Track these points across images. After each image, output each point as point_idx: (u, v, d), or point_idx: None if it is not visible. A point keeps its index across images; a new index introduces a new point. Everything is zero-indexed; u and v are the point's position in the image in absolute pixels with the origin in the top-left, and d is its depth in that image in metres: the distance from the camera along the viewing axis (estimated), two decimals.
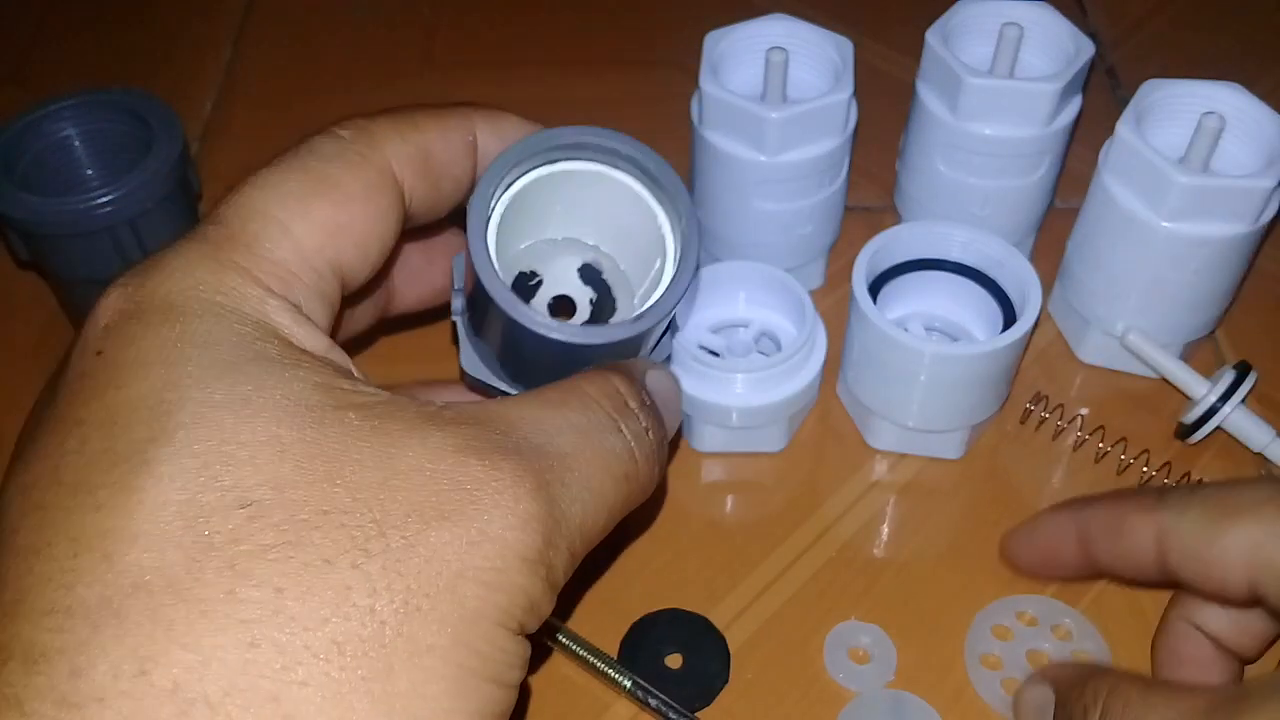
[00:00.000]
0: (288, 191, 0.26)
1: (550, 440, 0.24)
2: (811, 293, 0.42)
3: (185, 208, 0.41)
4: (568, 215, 0.30)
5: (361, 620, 0.21)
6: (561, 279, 0.31)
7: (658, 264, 0.31)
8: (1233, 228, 0.39)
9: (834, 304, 0.46)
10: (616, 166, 0.30)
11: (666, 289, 0.29)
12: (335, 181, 0.26)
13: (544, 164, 0.29)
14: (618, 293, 0.31)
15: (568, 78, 0.57)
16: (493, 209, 0.28)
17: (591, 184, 0.30)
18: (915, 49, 0.44)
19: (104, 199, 0.38)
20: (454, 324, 0.31)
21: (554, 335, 0.27)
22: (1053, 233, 0.47)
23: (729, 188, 0.42)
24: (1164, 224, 0.39)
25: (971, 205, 0.44)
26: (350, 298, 0.28)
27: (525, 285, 0.30)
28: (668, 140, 0.53)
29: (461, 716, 0.22)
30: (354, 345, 0.29)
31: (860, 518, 0.40)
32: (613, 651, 0.36)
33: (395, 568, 0.21)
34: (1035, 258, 0.47)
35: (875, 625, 0.37)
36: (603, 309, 0.31)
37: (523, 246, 0.30)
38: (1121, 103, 0.54)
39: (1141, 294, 0.41)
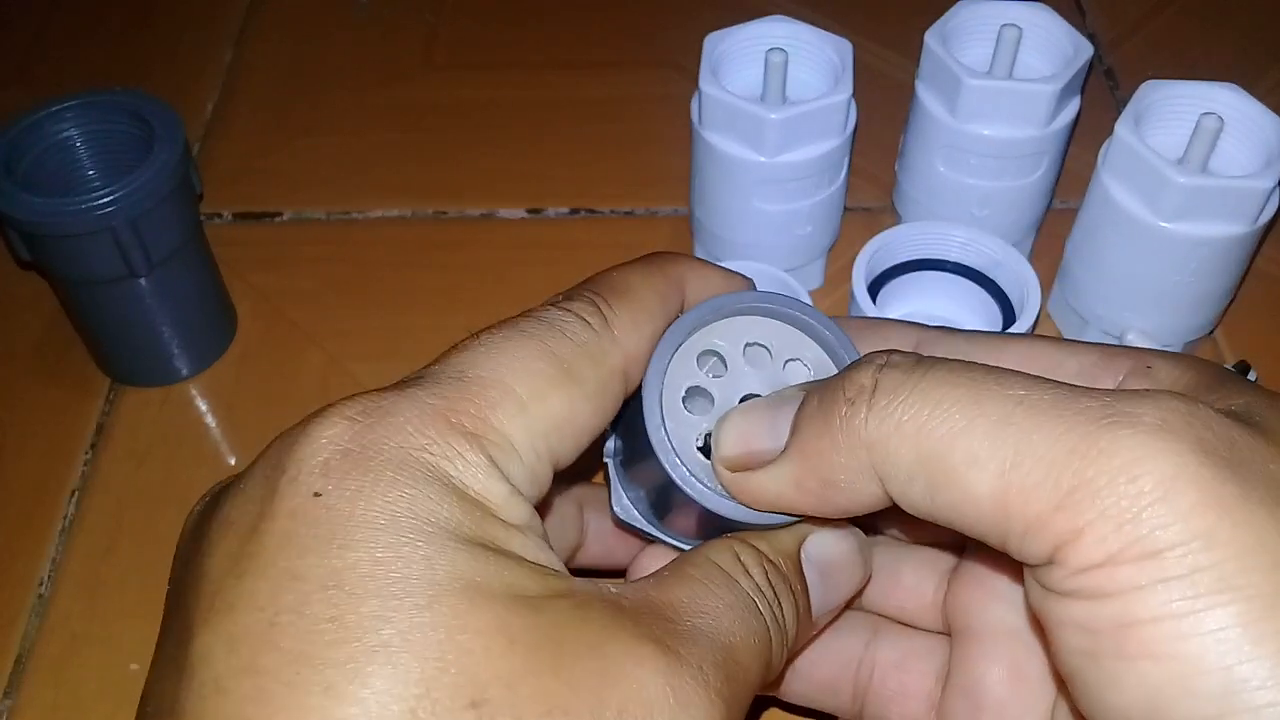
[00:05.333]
0: (534, 372, 0.25)
1: (715, 628, 0.24)
2: (811, 293, 0.42)
3: (187, 208, 0.42)
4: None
5: None
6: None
7: None
8: (1231, 228, 0.39)
9: (834, 304, 0.46)
10: (799, 328, 0.29)
11: None
12: (577, 376, 0.25)
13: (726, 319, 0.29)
14: None
15: (568, 79, 0.57)
16: (667, 380, 0.27)
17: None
18: (914, 50, 0.44)
19: (105, 199, 0.38)
20: (605, 465, 0.30)
21: (722, 512, 0.27)
22: (1051, 233, 0.48)
23: (729, 188, 0.43)
24: (1163, 224, 0.39)
25: (970, 205, 0.44)
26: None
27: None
28: (667, 141, 0.53)
29: None
30: None
31: None
32: None
33: None
34: (1034, 258, 0.47)
35: None
36: None
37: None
38: (1120, 103, 0.54)
39: (1140, 294, 0.41)
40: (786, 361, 0.28)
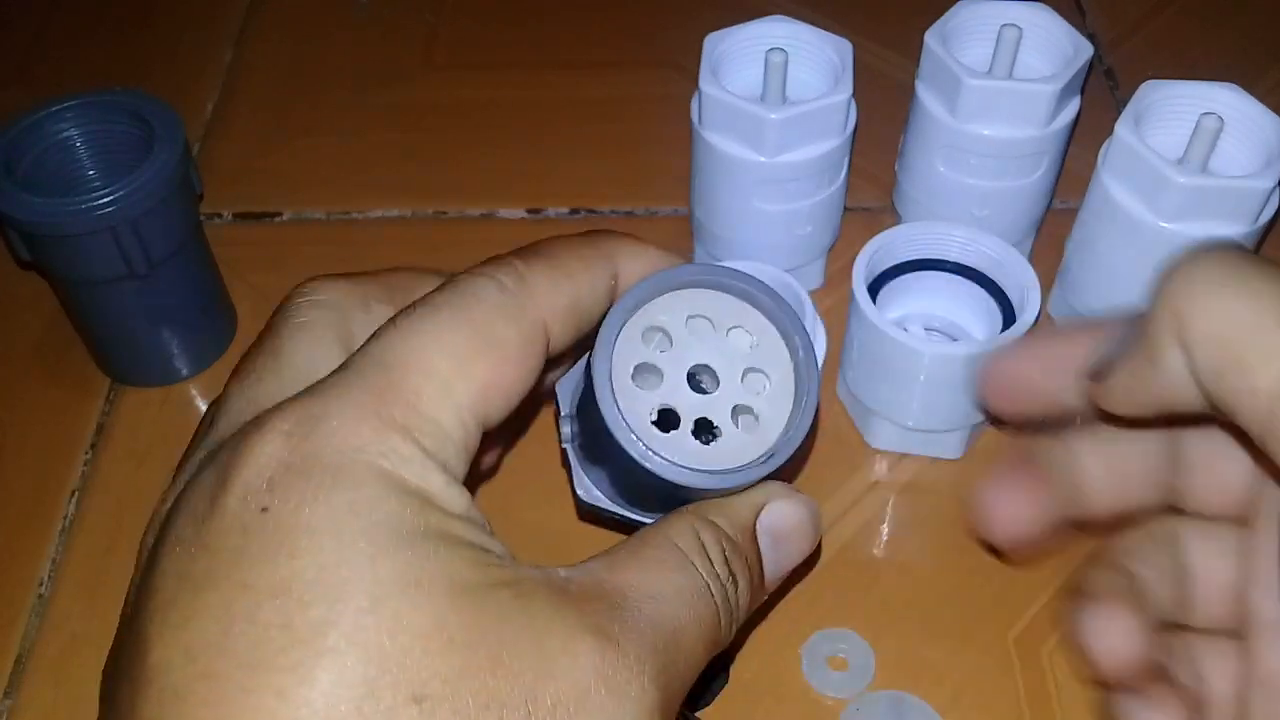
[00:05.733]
0: (453, 346, 0.25)
1: (661, 613, 0.25)
2: (811, 293, 0.42)
3: (187, 208, 0.42)
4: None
5: None
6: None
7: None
8: (1231, 228, 0.39)
9: (834, 304, 0.46)
10: (738, 296, 0.29)
11: (786, 433, 0.28)
12: (497, 339, 0.26)
13: (666, 294, 0.29)
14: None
15: (567, 79, 0.57)
16: (615, 358, 0.28)
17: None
18: (914, 50, 0.44)
19: (105, 199, 0.38)
20: (563, 450, 0.30)
21: (681, 481, 0.27)
22: (1052, 233, 0.48)
23: (729, 188, 0.43)
24: (1163, 224, 0.39)
25: (970, 205, 0.44)
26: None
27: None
28: (667, 141, 0.53)
29: None
30: None
31: (860, 518, 0.40)
32: None
33: None
34: (1034, 258, 0.47)
35: (850, 630, 0.37)
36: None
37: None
38: (1120, 103, 0.54)
39: (1141, 294, 0.41)
40: (729, 330, 0.29)
